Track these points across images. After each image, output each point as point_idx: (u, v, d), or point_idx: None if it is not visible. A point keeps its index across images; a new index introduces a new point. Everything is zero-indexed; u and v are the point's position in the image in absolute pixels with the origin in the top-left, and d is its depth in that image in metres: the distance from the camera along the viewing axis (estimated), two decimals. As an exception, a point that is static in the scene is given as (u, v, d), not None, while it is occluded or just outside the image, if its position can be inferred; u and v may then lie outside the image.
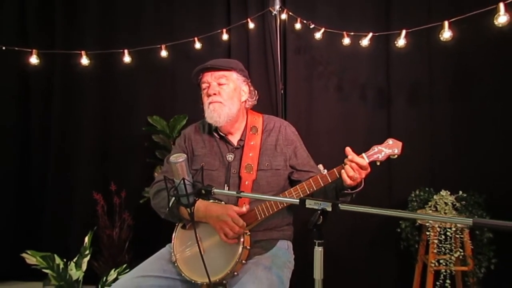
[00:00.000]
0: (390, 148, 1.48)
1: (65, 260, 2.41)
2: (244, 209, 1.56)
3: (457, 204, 2.29)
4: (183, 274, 1.55)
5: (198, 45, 2.71)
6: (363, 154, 1.48)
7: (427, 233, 2.24)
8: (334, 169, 1.52)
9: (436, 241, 2.21)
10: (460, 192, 2.35)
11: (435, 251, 2.23)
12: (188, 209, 1.25)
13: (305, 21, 2.56)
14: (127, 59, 2.73)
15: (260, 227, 1.63)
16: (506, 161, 2.40)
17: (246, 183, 1.64)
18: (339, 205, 1.09)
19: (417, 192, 2.44)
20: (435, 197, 2.35)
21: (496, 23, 1.87)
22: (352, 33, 2.42)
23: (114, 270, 2.43)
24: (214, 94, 1.68)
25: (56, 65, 3.01)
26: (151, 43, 2.78)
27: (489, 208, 2.27)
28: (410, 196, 2.46)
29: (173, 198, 1.26)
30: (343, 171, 1.46)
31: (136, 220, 2.76)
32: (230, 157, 1.71)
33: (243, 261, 1.53)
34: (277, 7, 2.69)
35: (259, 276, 1.48)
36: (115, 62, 2.86)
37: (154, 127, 2.84)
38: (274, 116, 1.95)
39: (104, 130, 3.05)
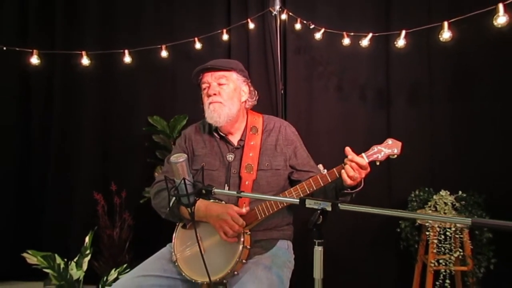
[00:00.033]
0: (389, 148, 1.49)
1: (65, 260, 2.41)
2: (244, 210, 1.57)
3: (457, 204, 2.29)
4: (183, 274, 1.55)
5: (198, 45, 2.71)
6: (363, 154, 1.48)
7: (427, 233, 2.24)
8: (334, 169, 1.52)
9: (435, 241, 2.22)
10: (460, 192, 2.35)
11: (434, 251, 2.23)
12: (189, 209, 1.26)
13: (305, 22, 2.57)
14: (127, 59, 2.74)
15: (260, 227, 1.64)
16: (506, 161, 2.40)
17: (246, 183, 1.65)
18: (339, 205, 1.09)
19: (417, 192, 2.45)
20: (434, 197, 2.35)
21: (495, 23, 1.88)
22: (352, 33, 2.42)
23: (115, 270, 2.44)
24: (214, 94, 1.68)
25: (56, 65, 3.01)
26: (151, 43, 2.78)
27: (488, 208, 2.27)
28: (410, 196, 2.46)
29: (174, 198, 1.26)
30: (343, 171, 1.46)
31: (137, 220, 2.76)
32: (230, 157, 1.71)
33: (243, 261, 1.53)
34: (277, 7, 2.70)
35: (259, 275, 1.48)
36: (115, 62, 2.86)
37: (155, 127, 2.84)
38: (274, 116, 1.95)
39: (104, 130, 3.05)
